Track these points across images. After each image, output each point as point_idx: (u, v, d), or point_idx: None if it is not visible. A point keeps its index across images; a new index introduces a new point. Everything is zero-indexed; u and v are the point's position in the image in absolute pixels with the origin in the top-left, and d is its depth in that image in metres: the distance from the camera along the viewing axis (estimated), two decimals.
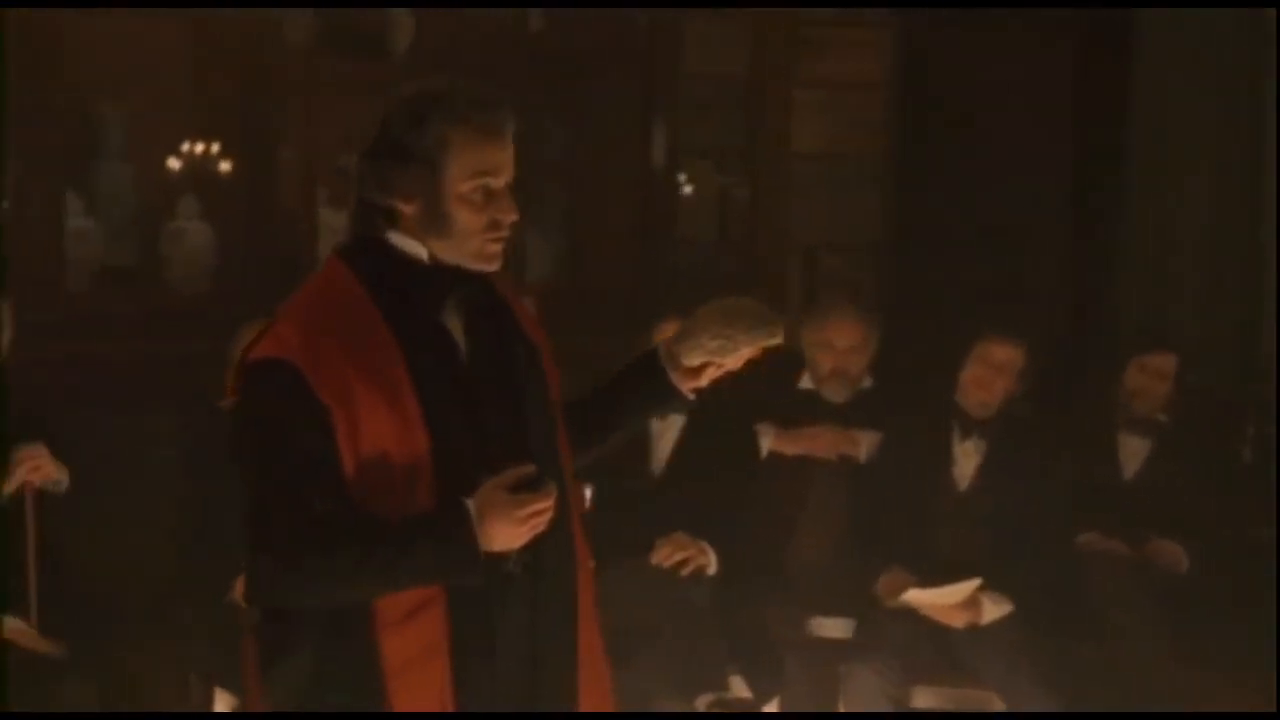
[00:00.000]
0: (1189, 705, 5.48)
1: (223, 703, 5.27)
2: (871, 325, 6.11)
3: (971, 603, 5.47)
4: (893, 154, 7.55)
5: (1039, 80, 7.76)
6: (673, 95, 7.33)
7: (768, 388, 6.10)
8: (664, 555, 5.47)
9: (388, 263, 3.13)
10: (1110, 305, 7.64)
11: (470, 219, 3.11)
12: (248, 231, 6.85)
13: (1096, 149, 7.79)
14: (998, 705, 5.44)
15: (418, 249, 3.13)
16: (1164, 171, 7.57)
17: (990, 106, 7.70)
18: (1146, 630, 5.72)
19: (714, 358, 3.38)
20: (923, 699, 5.52)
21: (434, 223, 3.11)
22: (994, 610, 5.48)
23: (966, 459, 5.73)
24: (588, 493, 5.32)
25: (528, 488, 3.04)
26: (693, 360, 3.38)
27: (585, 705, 3.29)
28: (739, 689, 5.41)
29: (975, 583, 5.44)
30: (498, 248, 3.16)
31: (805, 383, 6.14)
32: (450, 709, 3.09)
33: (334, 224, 6.64)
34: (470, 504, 3.02)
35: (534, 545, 3.11)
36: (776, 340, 3.37)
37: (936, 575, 5.49)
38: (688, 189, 7.53)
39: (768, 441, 6.01)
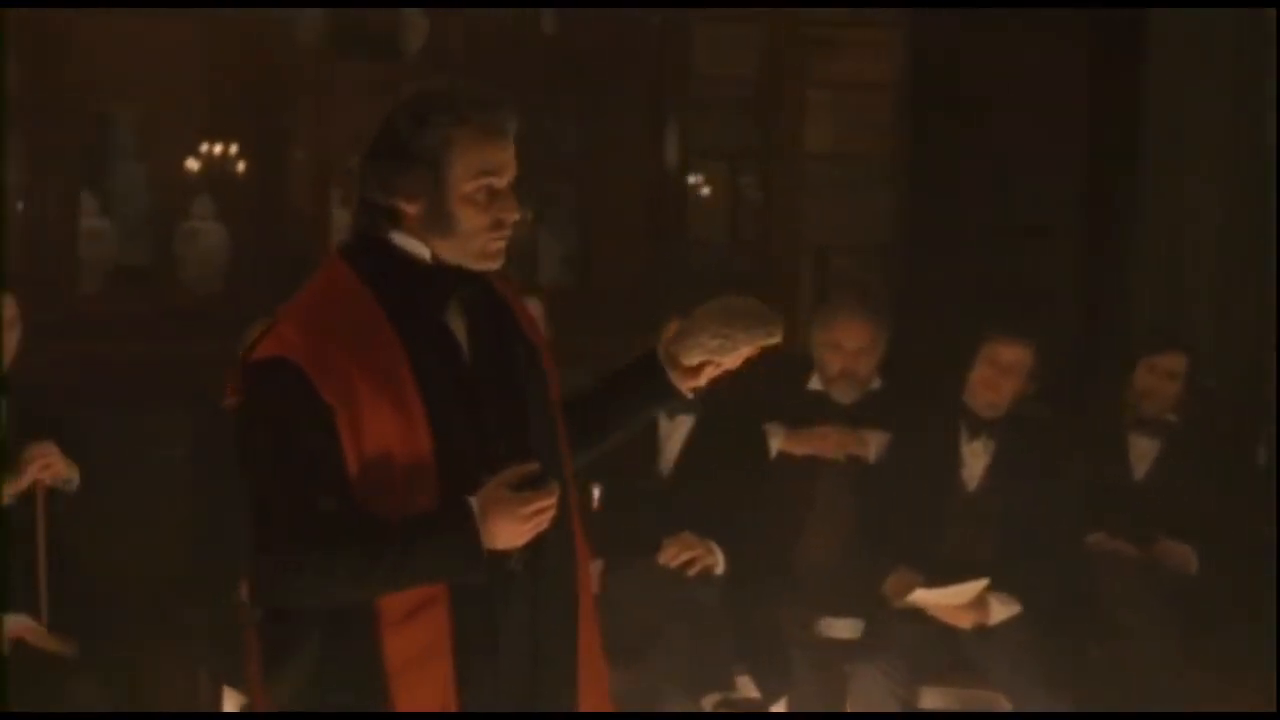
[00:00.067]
0: (1197, 707, 5.47)
1: (231, 701, 5.29)
2: (880, 326, 6.10)
3: (979, 603, 5.46)
4: (904, 154, 7.54)
5: (1051, 80, 7.74)
6: (684, 96, 7.33)
7: (777, 388, 6.11)
8: (671, 555, 5.47)
9: (390, 263, 3.14)
10: (1123, 306, 7.62)
11: (474, 218, 3.12)
12: (261, 232, 6.87)
13: (1109, 149, 7.77)
14: (1005, 706, 5.44)
15: (420, 249, 3.14)
16: (1177, 172, 7.55)
17: (1002, 107, 7.69)
18: (1154, 631, 5.72)
19: (713, 357, 3.37)
20: (930, 699, 5.52)
21: (438, 222, 3.12)
22: (1002, 611, 5.48)
23: (975, 459, 5.72)
24: (596, 492, 5.34)
25: (530, 486, 3.05)
26: (692, 359, 3.37)
27: (585, 704, 3.29)
28: (747, 689, 5.42)
29: (982, 583, 5.44)
30: (500, 246, 3.17)
31: (814, 383, 6.13)
32: (453, 707, 3.09)
33: (347, 224, 6.64)
34: (473, 502, 3.03)
35: (535, 543, 3.11)
36: (776, 340, 3.37)
37: (945, 576, 5.49)
38: (699, 190, 7.52)
39: (776, 442, 6.00)
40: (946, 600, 5.47)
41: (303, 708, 3.12)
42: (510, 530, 3.05)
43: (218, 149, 6.96)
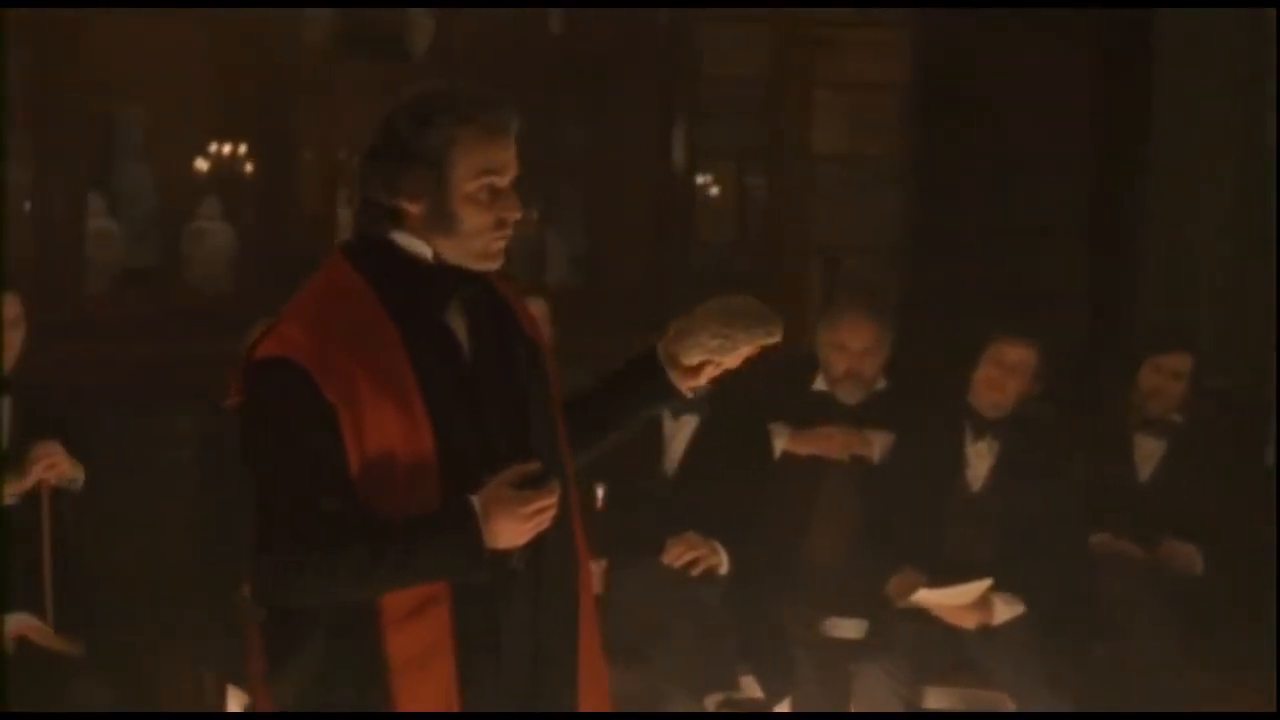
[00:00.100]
0: (1199, 707, 5.47)
1: (236, 701, 5.30)
2: (885, 327, 6.11)
3: (983, 603, 5.47)
4: (912, 155, 7.54)
5: (1059, 81, 7.73)
6: (692, 97, 7.33)
7: (782, 389, 6.12)
8: (675, 555, 5.48)
9: (392, 262, 3.15)
10: (1129, 306, 7.62)
11: (477, 218, 3.13)
12: (268, 232, 6.88)
13: (1117, 150, 7.76)
14: (1008, 706, 5.44)
15: (422, 248, 3.14)
16: (1184, 172, 7.55)
17: (1009, 107, 7.68)
18: (1157, 632, 5.71)
19: (713, 356, 3.36)
20: (934, 699, 5.52)
21: (440, 222, 3.13)
22: (1006, 611, 5.48)
23: (979, 460, 5.73)
24: (600, 492, 5.33)
25: (532, 485, 3.06)
26: (692, 359, 3.37)
27: (585, 703, 3.29)
28: (750, 689, 5.42)
29: (986, 583, 5.44)
30: (501, 246, 3.18)
31: (819, 384, 6.14)
32: (455, 706, 3.10)
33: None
34: (475, 501, 3.03)
35: (537, 542, 3.12)
36: (775, 339, 3.36)
37: (948, 576, 5.49)
38: (706, 190, 7.52)
39: (781, 442, 6.01)
40: (950, 600, 5.47)
41: (305, 706, 3.13)
42: (512, 529, 3.05)
43: (225, 149, 6.97)
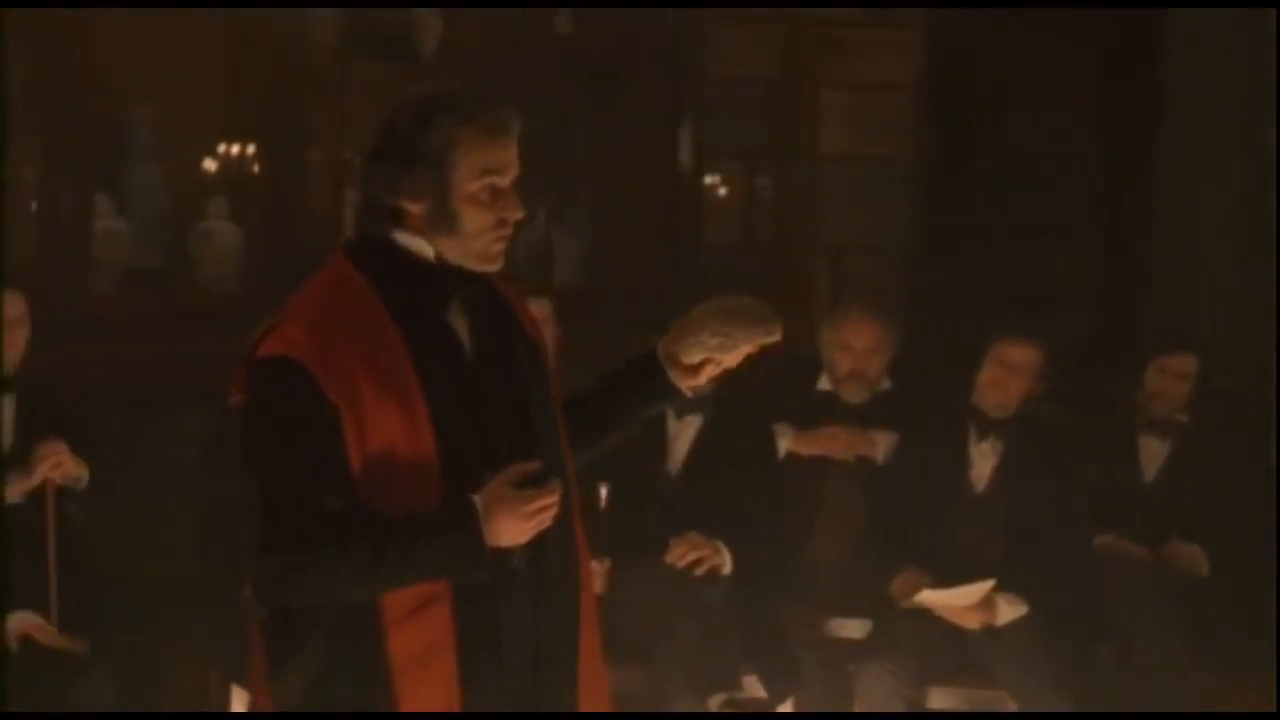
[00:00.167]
0: (1202, 708, 5.47)
1: (239, 700, 5.30)
2: (889, 327, 6.11)
3: (986, 604, 5.47)
4: (920, 155, 7.53)
5: (1067, 81, 7.74)
6: (699, 97, 7.32)
7: (786, 389, 6.12)
8: (678, 555, 5.48)
9: (394, 262, 3.16)
10: (1139, 306, 7.61)
11: (478, 217, 3.14)
12: (276, 232, 6.88)
13: (1124, 151, 7.76)
14: (1012, 706, 5.44)
15: (424, 248, 3.16)
16: (1193, 173, 7.55)
17: (1018, 108, 7.69)
18: (1162, 632, 5.71)
19: (714, 355, 3.38)
20: (938, 699, 5.52)
21: (442, 222, 3.14)
22: (1010, 611, 5.48)
23: (983, 460, 5.73)
24: (604, 492, 5.34)
25: (533, 484, 3.07)
26: (692, 357, 3.38)
27: (585, 703, 3.30)
28: (754, 689, 5.42)
29: (989, 584, 5.44)
30: (502, 246, 3.19)
31: (823, 384, 6.14)
32: (456, 705, 3.11)
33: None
34: (476, 500, 3.04)
35: (538, 541, 3.13)
36: (775, 338, 3.38)
37: (953, 576, 5.49)
38: (714, 191, 7.52)
39: (785, 442, 6.01)
40: (953, 601, 5.47)
41: (306, 706, 3.13)
42: (513, 528, 3.06)
43: (233, 150, 6.97)
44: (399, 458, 3.06)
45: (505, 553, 3.08)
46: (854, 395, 6.07)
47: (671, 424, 5.72)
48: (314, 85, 6.87)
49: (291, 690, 3.15)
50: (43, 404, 5.39)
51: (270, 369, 3.08)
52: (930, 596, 5.48)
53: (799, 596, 5.83)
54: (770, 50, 7.35)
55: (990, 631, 5.47)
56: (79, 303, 6.49)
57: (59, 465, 5.27)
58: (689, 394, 3.48)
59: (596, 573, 5.36)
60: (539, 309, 5.56)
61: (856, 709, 5.48)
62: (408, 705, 3.09)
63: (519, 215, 3.18)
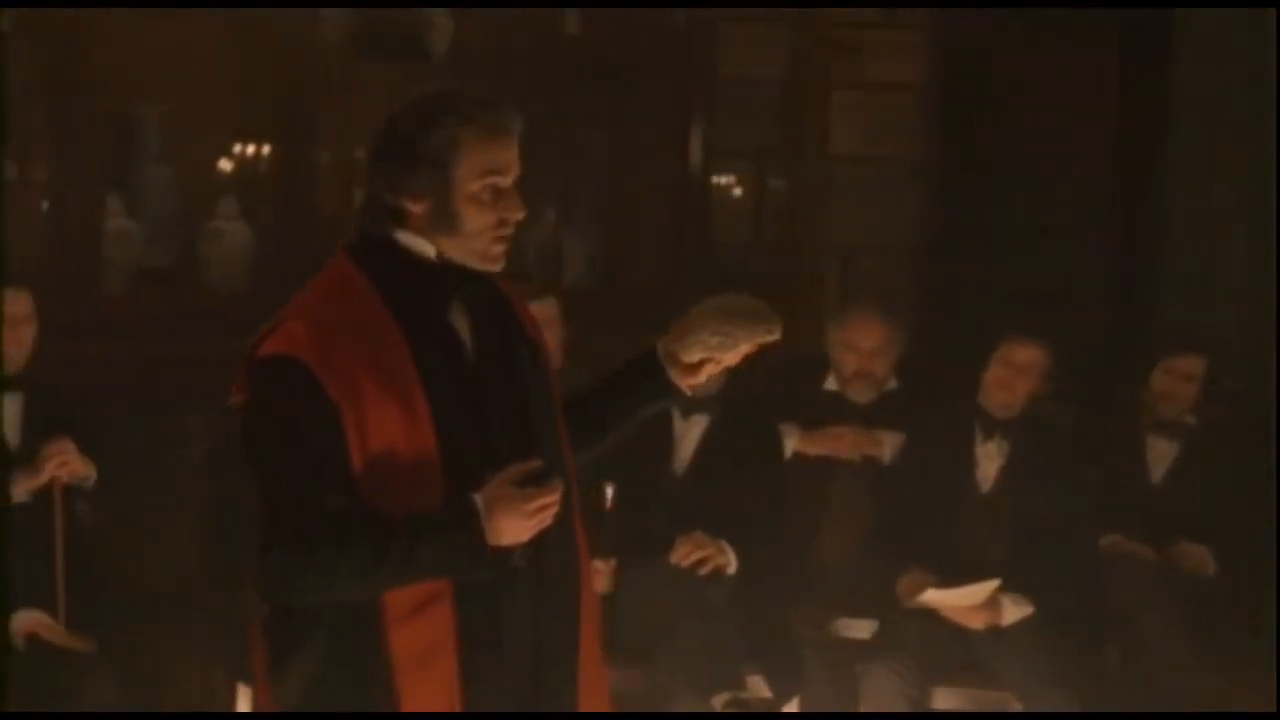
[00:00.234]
0: (1207, 708, 5.46)
1: (246, 699, 5.30)
2: (896, 327, 6.11)
3: (991, 604, 5.47)
4: (930, 156, 7.53)
5: (1078, 81, 7.72)
6: (710, 98, 7.32)
7: (792, 389, 6.13)
8: (682, 555, 5.48)
9: (396, 261, 3.18)
10: (1149, 307, 7.60)
11: (479, 217, 3.16)
12: (285, 232, 6.89)
13: (1137, 150, 7.75)
14: (1016, 706, 5.44)
15: (425, 247, 3.17)
16: (1204, 173, 7.52)
17: (1029, 107, 7.67)
18: (1168, 633, 5.70)
19: (714, 353, 3.40)
20: (942, 699, 5.52)
21: (443, 221, 3.15)
22: (1015, 612, 5.48)
23: (989, 460, 5.73)
24: (609, 491, 5.35)
25: (534, 482, 3.07)
26: (692, 356, 3.40)
27: (585, 701, 3.31)
28: (758, 688, 5.42)
29: (994, 584, 5.44)
30: (503, 246, 3.21)
31: (830, 384, 6.15)
32: (458, 703, 3.12)
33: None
34: (477, 499, 3.05)
35: (539, 540, 3.13)
36: (774, 336, 3.39)
37: (959, 576, 5.49)
38: (724, 191, 7.52)
39: (791, 442, 6.01)
40: (958, 601, 5.47)
41: (307, 704, 3.15)
42: (514, 526, 3.07)
43: (243, 150, 6.99)
44: (400, 457, 3.07)
45: (506, 551, 3.09)
46: (860, 395, 6.07)
47: (678, 424, 5.72)
48: (324, 86, 6.88)
49: (293, 688, 3.16)
50: (50, 403, 5.40)
51: (272, 368, 3.09)
52: (935, 596, 5.48)
53: (805, 596, 5.84)
54: (780, 50, 7.34)
55: (995, 632, 5.47)
56: (90, 302, 6.50)
57: (66, 464, 5.28)
58: (689, 393, 3.49)
59: (602, 572, 5.39)
60: (545, 309, 5.59)
61: (862, 709, 5.47)
62: (409, 703, 3.10)
63: (520, 215, 3.19)
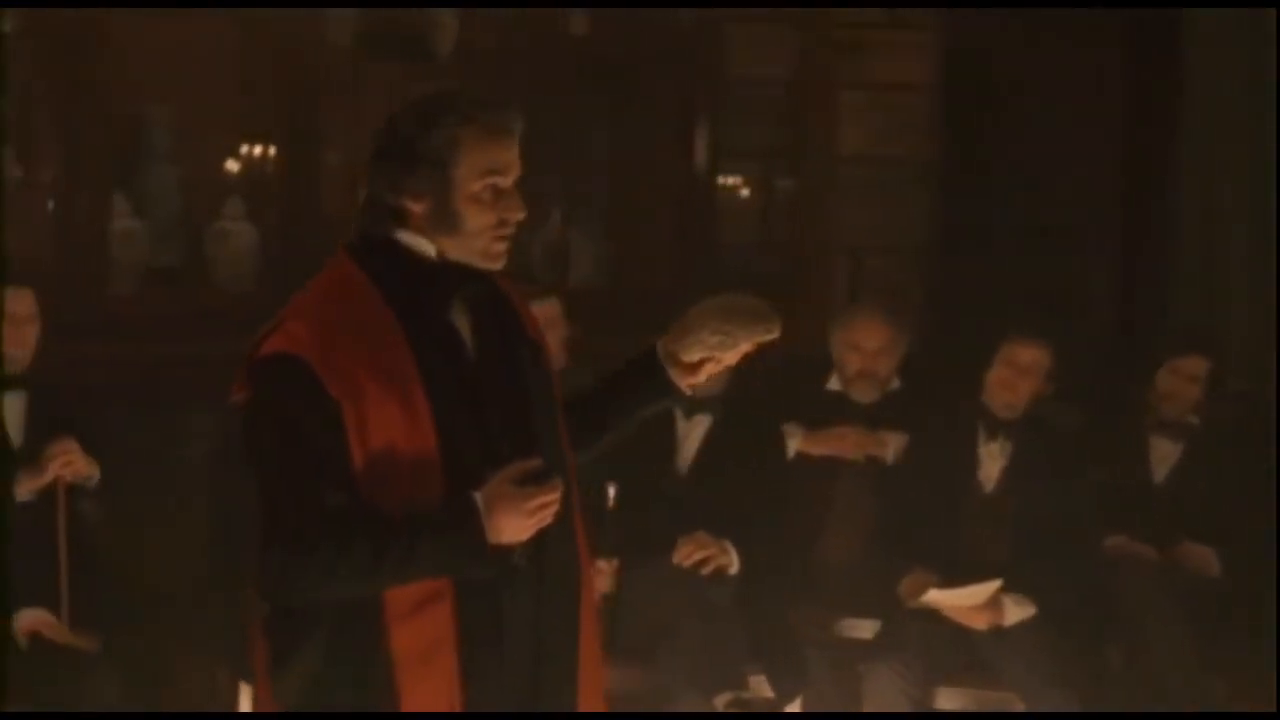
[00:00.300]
0: (1209, 709, 5.45)
1: (248, 697, 5.31)
2: (899, 327, 6.12)
3: (994, 604, 5.47)
4: (938, 156, 7.52)
5: (1087, 81, 7.72)
6: (716, 98, 7.32)
7: (796, 389, 6.13)
8: (685, 554, 5.48)
9: (396, 261, 3.19)
10: (1158, 307, 7.59)
11: (480, 217, 3.16)
12: (292, 233, 6.90)
13: (1146, 150, 7.74)
14: (1019, 706, 5.44)
15: (426, 246, 3.18)
16: (1212, 174, 7.51)
17: (1037, 108, 7.68)
18: (1171, 633, 5.69)
19: (713, 353, 3.40)
20: (945, 700, 5.51)
21: (444, 221, 3.16)
22: (1018, 612, 5.48)
23: (992, 460, 5.73)
24: (611, 491, 5.35)
25: (534, 481, 3.08)
26: (692, 355, 3.40)
27: (585, 700, 3.32)
28: (761, 688, 5.42)
29: (996, 584, 5.44)
30: (504, 246, 3.21)
31: (833, 384, 6.15)
32: (458, 701, 3.13)
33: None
34: (478, 497, 3.06)
35: (539, 539, 3.14)
36: (774, 336, 3.40)
37: (961, 576, 5.49)
38: (731, 191, 7.52)
39: (795, 442, 6.02)
40: (960, 601, 5.47)
41: (308, 702, 3.15)
42: (514, 525, 3.08)
43: (250, 150, 7.00)
44: (400, 456, 3.07)
45: (507, 550, 3.10)
46: (864, 395, 6.08)
47: (681, 424, 5.73)
48: (330, 86, 6.87)
49: (293, 687, 3.17)
50: (53, 402, 5.41)
51: (273, 366, 3.10)
52: (937, 596, 5.48)
53: (808, 596, 5.84)
54: (787, 51, 7.34)
55: (998, 632, 5.47)
56: (96, 302, 6.49)
57: (70, 463, 5.29)
58: (689, 393, 3.50)
59: (605, 572, 5.40)
60: (548, 309, 5.61)
61: (864, 709, 5.47)
62: (409, 701, 3.11)
63: (521, 215, 3.20)
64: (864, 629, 5.81)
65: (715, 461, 5.71)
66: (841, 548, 5.99)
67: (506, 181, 3.18)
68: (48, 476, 5.28)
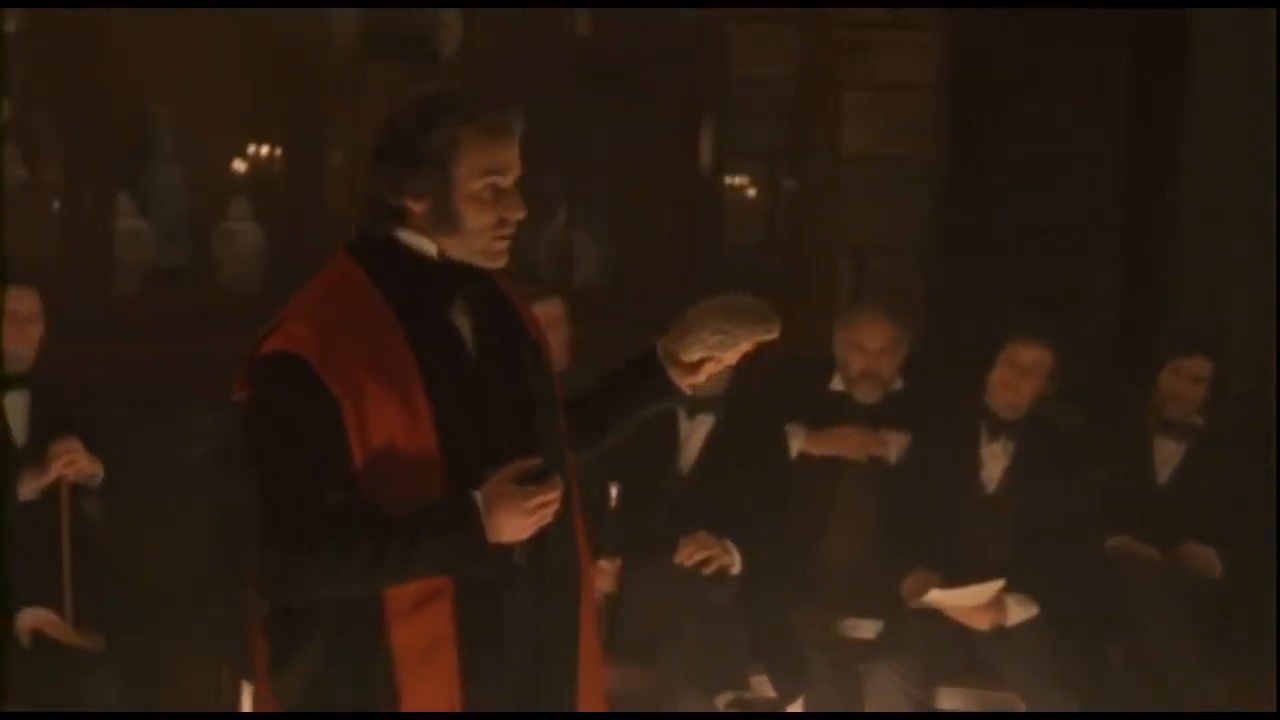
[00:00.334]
0: (1212, 709, 5.45)
1: (251, 697, 5.32)
2: (902, 327, 6.11)
3: (996, 604, 5.46)
4: (941, 156, 7.53)
5: (1090, 81, 7.72)
6: (720, 98, 7.33)
7: (798, 389, 6.13)
8: (686, 555, 5.48)
9: (397, 260, 3.19)
10: (1161, 307, 7.59)
11: (480, 217, 3.17)
12: (297, 232, 6.91)
13: (1149, 150, 7.74)
14: (1020, 707, 5.43)
15: (427, 245, 3.19)
16: (1216, 174, 7.51)
17: (1041, 108, 7.68)
18: (1173, 633, 5.69)
19: (713, 352, 3.41)
20: (946, 700, 5.51)
21: (444, 221, 3.17)
22: (1020, 612, 5.48)
23: (994, 461, 5.72)
24: (614, 491, 5.35)
25: (534, 480, 3.09)
26: (692, 355, 3.41)
27: (584, 699, 3.32)
28: (763, 688, 5.42)
29: (998, 584, 5.44)
30: (504, 245, 3.22)
31: (836, 384, 6.15)
32: (458, 699, 3.13)
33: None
34: (477, 496, 3.07)
35: (539, 538, 3.15)
36: (773, 335, 3.40)
37: (963, 576, 5.48)
38: (734, 191, 7.53)
39: (798, 442, 6.02)
40: (962, 601, 5.47)
41: (308, 701, 3.16)
42: (514, 524, 3.08)
43: (255, 150, 7.01)
44: (401, 455, 3.08)
45: (507, 549, 3.10)
46: (867, 395, 6.07)
47: (684, 424, 5.72)
48: (334, 86, 6.89)
49: (294, 685, 3.18)
50: (57, 401, 5.42)
51: (273, 364, 3.11)
52: (939, 596, 5.48)
53: (810, 596, 5.84)
54: (789, 51, 7.35)
55: (999, 632, 5.46)
56: (102, 302, 6.52)
57: (73, 463, 5.30)
58: (689, 393, 3.50)
59: (607, 572, 5.40)
60: (551, 309, 5.62)
61: (865, 709, 5.47)
62: (409, 700, 3.12)
63: (521, 215, 3.20)
64: (865, 629, 5.80)
65: (717, 461, 5.70)
66: (843, 548, 5.98)
67: (506, 181, 3.18)
68: (51, 475, 5.29)
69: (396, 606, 3.10)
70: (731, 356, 3.43)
